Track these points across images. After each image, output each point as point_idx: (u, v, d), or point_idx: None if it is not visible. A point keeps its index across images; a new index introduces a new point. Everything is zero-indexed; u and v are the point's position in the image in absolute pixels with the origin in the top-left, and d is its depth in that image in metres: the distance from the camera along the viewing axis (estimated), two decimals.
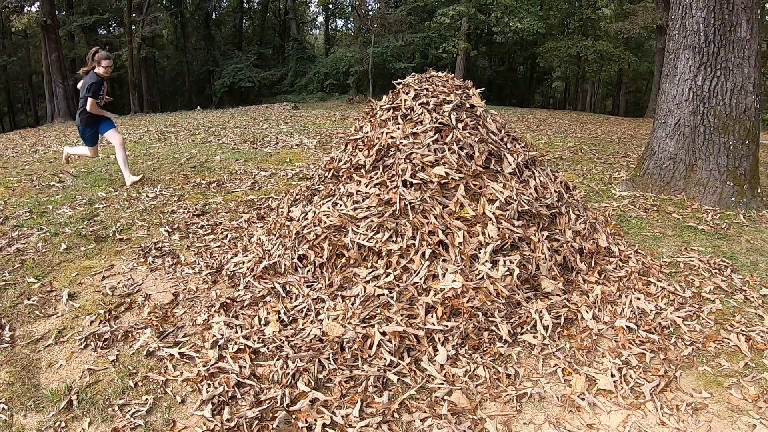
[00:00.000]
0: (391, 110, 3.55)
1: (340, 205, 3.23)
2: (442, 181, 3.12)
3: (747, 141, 4.90)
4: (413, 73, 3.85)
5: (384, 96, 3.79)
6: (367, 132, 3.57)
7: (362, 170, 3.34)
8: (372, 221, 3.04)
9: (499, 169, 3.26)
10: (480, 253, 2.89)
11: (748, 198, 4.94)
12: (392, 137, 3.33)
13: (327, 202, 3.33)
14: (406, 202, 3.04)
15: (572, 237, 3.28)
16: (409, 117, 3.44)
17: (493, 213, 3.01)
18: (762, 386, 2.39)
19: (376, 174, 3.27)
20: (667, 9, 7.00)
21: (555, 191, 3.39)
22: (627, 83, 31.16)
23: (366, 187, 3.23)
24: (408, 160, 3.20)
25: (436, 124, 3.32)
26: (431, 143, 3.24)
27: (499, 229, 2.97)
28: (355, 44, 27.30)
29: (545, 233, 3.14)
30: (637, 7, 20.79)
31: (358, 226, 3.07)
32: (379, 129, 3.46)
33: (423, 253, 2.88)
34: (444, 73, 3.80)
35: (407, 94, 3.57)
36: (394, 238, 2.98)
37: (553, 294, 2.94)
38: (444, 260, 2.88)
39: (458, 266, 2.83)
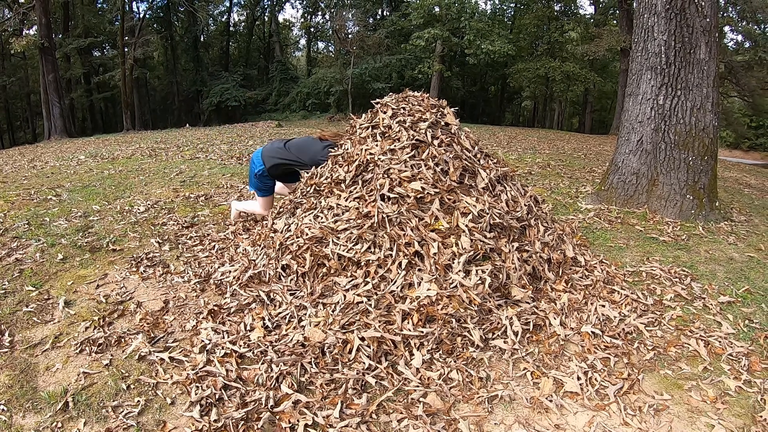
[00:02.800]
0: (370, 128, 3.62)
1: (322, 218, 3.28)
2: (419, 196, 3.19)
3: (706, 157, 5.02)
4: (391, 93, 3.91)
5: (363, 114, 3.85)
6: (347, 149, 3.64)
7: (342, 185, 3.40)
8: (351, 233, 3.10)
9: (473, 184, 3.36)
10: (454, 263, 2.97)
11: (707, 211, 5.06)
12: (371, 153, 3.41)
13: (309, 214, 3.38)
14: (384, 215, 3.10)
15: (541, 248, 3.37)
16: (387, 134, 3.52)
17: (466, 225, 3.09)
18: (720, 389, 2.50)
19: (355, 188, 3.33)
20: (631, 32, 7.12)
21: (525, 205, 3.48)
22: (592, 102, 31.78)
23: (346, 200, 3.28)
24: (386, 176, 3.28)
25: (413, 141, 3.41)
26: (408, 159, 3.32)
27: (471, 240, 3.05)
28: (335, 65, 27.74)
29: (516, 244, 3.23)
30: (602, 30, 21.45)
31: (338, 238, 3.12)
32: (359, 146, 3.53)
33: (399, 263, 2.96)
34: (420, 92, 3.87)
35: (385, 113, 3.65)
36: (372, 249, 3.04)
37: (523, 301, 3.03)
38: (420, 270, 2.96)
39: (433, 275, 2.91)
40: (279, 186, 4.44)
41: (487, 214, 3.19)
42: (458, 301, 2.82)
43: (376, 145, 3.44)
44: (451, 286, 2.89)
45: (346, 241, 3.09)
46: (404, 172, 3.25)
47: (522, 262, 3.19)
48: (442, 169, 3.32)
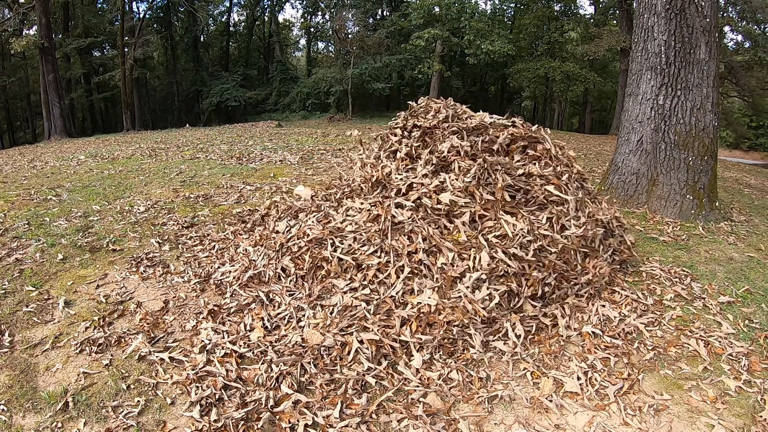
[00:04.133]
0: (389, 153, 3.58)
1: (328, 219, 3.26)
2: (445, 208, 3.12)
3: (706, 157, 5.02)
4: (399, 113, 3.88)
5: (375, 141, 3.83)
6: (370, 165, 3.59)
7: (362, 193, 3.39)
8: (360, 235, 3.09)
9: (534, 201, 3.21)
10: (464, 277, 2.90)
11: (707, 211, 5.06)
12: (388, 173, 3.38)
13: (312, 216, 3.38)
14: (394, 222, 3.07)
15: (588, 280, 3.23)
16: (410, 154, 3.46)
17: (487, 241, 3.00)
18: (720, 389, 2.51)
19: (375, 194, 3.31)
20: (631, 32, 7.09)
21: (600, 230, 3.35)
22: (592, 102, 31.75)
23: (361, 204, 3.27)
24: (411, 188, 3.22)
25: (437, 162, 3.33)
26: (429, 174, 3.26)
27: (492, 258, 2.95)
28: (335, 66, 27.73)
29: (562, 282, 3.11)
30: (602, 30, 21.38)
31: (343, 238, 3.11)
32: (381, 166, 3.48)
33: (401, 268, 2.94)
34: (424, 97, 3.79)
35: (396, 135, 3.61)
36: (378, 254, 3.02)
37: (531, 312, 3.00)
38: (424, 276, 2.93)
39: (436, 284, 2.88)
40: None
41: (524, 235, 3.04)
42: (462, 312, 2.78)
43: (392, 164, 3.39)
44: (455, 295, 2.85)
45: (353, 242, 3.07)
46: (431, 184, 3.18)
47: (559, 292, 3.10)
48: (487, 181, 3.22)
